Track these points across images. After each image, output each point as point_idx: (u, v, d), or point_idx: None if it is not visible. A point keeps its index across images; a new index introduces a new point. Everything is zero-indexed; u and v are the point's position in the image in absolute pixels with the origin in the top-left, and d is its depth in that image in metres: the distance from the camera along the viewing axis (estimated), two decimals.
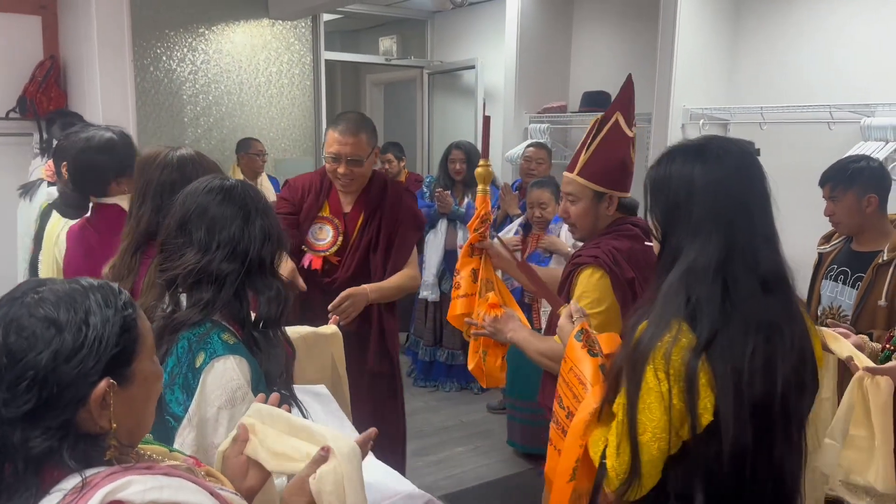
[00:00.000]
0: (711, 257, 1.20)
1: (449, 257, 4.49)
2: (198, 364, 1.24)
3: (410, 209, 2.59)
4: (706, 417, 1.16)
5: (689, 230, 1.24)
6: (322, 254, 2.45)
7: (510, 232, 3.83)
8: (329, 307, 2.21)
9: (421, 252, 4.53)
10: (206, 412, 1.22)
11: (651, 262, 1.72)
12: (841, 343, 1.87)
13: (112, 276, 1.70)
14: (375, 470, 1.58)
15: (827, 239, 2.66)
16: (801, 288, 2.53)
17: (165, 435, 1.21)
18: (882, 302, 2.30)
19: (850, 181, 2.41)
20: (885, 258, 2.34)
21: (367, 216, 2.48)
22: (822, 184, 2.50)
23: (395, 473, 1.59)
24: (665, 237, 1.29)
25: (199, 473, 0.98)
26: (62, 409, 0.85)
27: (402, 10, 5.78)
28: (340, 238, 2.45)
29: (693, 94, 3.62)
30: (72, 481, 0.83)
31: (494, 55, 5.12)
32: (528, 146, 4.24)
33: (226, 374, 1.24)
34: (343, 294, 2.25)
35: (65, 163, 2.13)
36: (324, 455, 1.03)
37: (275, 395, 1.17)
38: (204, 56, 4.97)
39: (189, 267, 1.30)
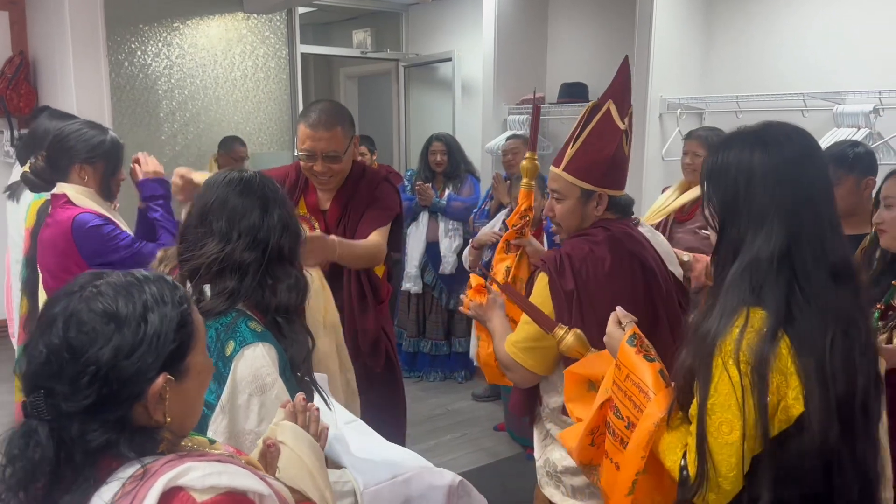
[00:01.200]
0: (776, 247, 1.15)
1: (431, 249, 4.52)
2: (228, 352, 1.27)
3: (387, 196, 2.40)
4: (796, 408, 1.09)
5: (751, 220, 1.18)
6: None
7: (496, 224, 3.84)
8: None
9: (404, 245, 4.57)
10: (238, 399, 1.25)
11: (609, 271, 1.67)
12: None
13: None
14: (386, 448, 1.64)
15: None
16: None
17: (198, 423, 1.24)
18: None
19: (851, 166, 2.46)
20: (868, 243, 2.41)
21: (343, 209, 2.34)
22: None
23: (402, 449, 1.65)
24: (723, 228, 1.22)
25: (240, 462, 1.00)
26: (120, 404, 0.87)
27: (377, 2, 5.78)
28: None
29: (669, 84, 3.70)
30: (129, 469, 0.85)
31: (471, 47, 5.15)
32: (507, 138, 4.28)
33: (256, 361, 1.26)
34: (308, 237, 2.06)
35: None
36: (272, 450, 1.08)
37: (300, 395, 1.19)
38: (179, 51, 4.93)
39: (212, 256, 1.32)
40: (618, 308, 1.44)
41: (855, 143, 2.63)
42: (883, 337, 1.97)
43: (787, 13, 3.49)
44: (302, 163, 2.26)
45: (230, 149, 4.60)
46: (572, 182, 1.75)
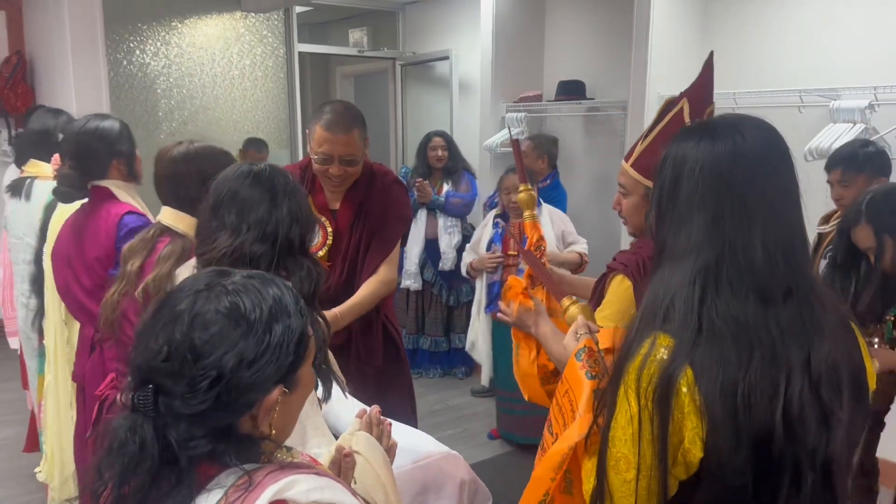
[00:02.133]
0: (692, 255, 1.00)
1: (429, 246, 4.55)
2: None
3: (399, 199, 2.39)
4: (694, 452, 0.95)
5: (674, 221, 1.04)
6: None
7: (487, 225, 3.84)
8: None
9: (404, 243, 4.58)
10: None
11: None
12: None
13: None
14: (404, 433, 1.66)
15: (826, 219, 2.74)
16: None
17: None
18: (822, 264, 2.39)
19: (861, 166, 2.50)
20: None
21: (356, 212, 2.29)
22: (830, 168, 2.56)
23: (425, 435, 1.67)
24: (656, 230, 1.09)
25: (332, 476, 0.98)
26: (233, 412, 0.84)
27: (373, 1, 5.80)
28: (330, 238, 2.26)
29: (667, 80, 3.73)
30: (230, 477, 0.83)
31: (468, 46, 5.17)
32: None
33: None
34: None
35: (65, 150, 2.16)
36: (348, 460, 1.06)
37: (375, 408, 1.19)
38: (177, 49, 4.93)
39: (223, 249, 1.33)
40: (579, 318, 1.38)
41: (866, 143, 2.66)
42: None
43: (784, 10, 3.52)
44: (316, 165, 2.21)
45: (245, 151, 4.74)
46: (637, 179, 1.67)
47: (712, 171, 1.02)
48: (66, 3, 3.88)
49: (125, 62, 4.77)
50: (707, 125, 1.08)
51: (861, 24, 3.27)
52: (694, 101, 1.70)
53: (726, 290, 0.98)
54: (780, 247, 1.00)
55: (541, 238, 1.95)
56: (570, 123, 4.61)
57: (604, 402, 1.04)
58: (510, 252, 3.66)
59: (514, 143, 2.03)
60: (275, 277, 0.93)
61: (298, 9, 5.52)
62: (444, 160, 4.52)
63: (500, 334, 3.57)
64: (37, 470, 2.75)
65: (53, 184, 2.22)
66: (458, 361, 4.72)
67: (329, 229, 2.26)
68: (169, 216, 1.85)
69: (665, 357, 0.96)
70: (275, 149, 5.40)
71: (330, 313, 2.03)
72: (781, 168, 1.04)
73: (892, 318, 2.08)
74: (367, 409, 1.23)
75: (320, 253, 2.24)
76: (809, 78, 3.35)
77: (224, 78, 5.15)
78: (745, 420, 0.93)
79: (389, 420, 1.21)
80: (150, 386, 0.82)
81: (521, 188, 1.93)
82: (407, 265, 4.54)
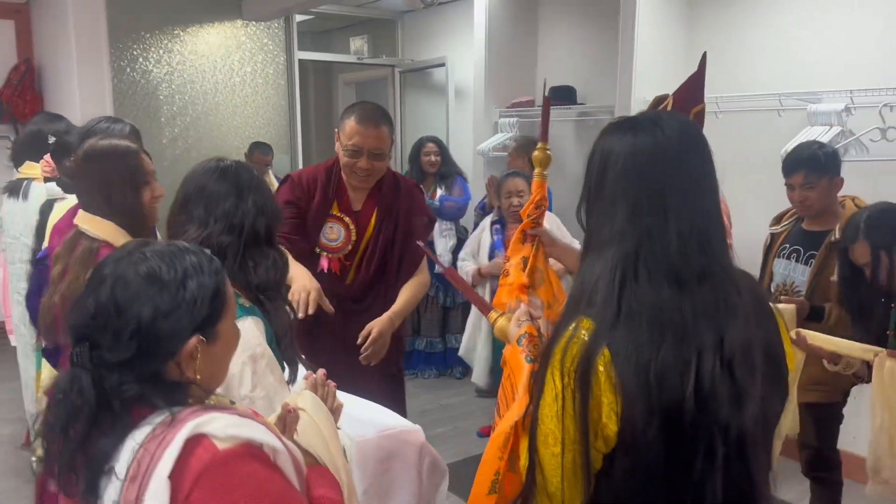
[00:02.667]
0: (616, 245, 1.06)
1: None
2: None
3: (423, 206, 2.46)
4: (610, 427, 1.01)
5: (601, 211, 1.10)
6: (337, 255, 2.31)
7: (483, 231, 3.89)
8: (359, 343, 2.10)
9: None
10: (233, 368, 1.36)
11: None
12: (834, 342, 2.06)
13: None
14: (371, 409, 1.76)
15: (778, 220, 2.78)
16: (751, 267, 2.73)
17: None
18: (835, 278, 2.39)
19: (824, 168, 2.51)
20: (836, 237, 2.46)
21: (382, 214, 2.33)
22: (792, 172, 2.56)
23: (387, 410, 1.76)
24: (586, 221, 1.15)
25: (259, 420, 1.07)
26: (156, 360, 0.96)
27: (373, 10, 5.92)
28: (353, 238, 2.31)
29: (653, 85, 3.81)
30: (160, 416, 0.95)
31: (463, 53, 5.28)
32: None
33: (246, 332, 1.36)
34: (374, 334, 2.12)
35: (71, 156, 2.25)
36: (291, 415, 1.17)
37: (321, 371, 1.30)
38: (180, 57, 5.07)
39: (191, 241, 1.43)
40: (522, 306, 1.46)
41: (822, 145, 2.68)
42: None
43: (765, 18, 3.61)
44: (344, 158, 2.25)
45: (251, 155, 4.85)
46: None
47: (633, 163, 1.07)
48: (72, 14, 4.02)
49: (129, 69, 4.91)
50: (631, 120, 1.14)
51: (837, 30, 3.35)
52: (680, 100, 1.78)
53: (644, 277, 1.03)
54: (696, 234, 1.05)
55: (543, 198, 1.91)
56: (561, 128, 4.70)
57: (536, 385, 1.09)
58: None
59: (546, 100, 1.99)
60: (194, 246, 1.04)
61: (301, 17, 5.66)
62: (437, 165, 4.62)
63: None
64: (32, 459, 2.85)
65: (49, 185, 2.32)
66: (453, 361, 4.77)
67: (352, 229, 2.31)
68: (81, 219, 1.89)
69: (586, 338, 1.02)
70: (276, 154, 5.52)
71: (386, 321, 2.14)
72: (698, 160, 1.09)
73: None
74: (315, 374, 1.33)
75: (343, 251, 2.30)
76: (789, 82, 3.43)
77: (225, 85, 5.28)
78: (656, 396, 0.99)
79: (334, 383, 1.30)
80: (86, 342, 0.95)
81: (540, 146, 1.88)
82: None
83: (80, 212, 1.90)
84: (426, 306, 4.74)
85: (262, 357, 1.38)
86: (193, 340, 0.98)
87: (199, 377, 0.99)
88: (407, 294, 2.29)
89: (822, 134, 3.08)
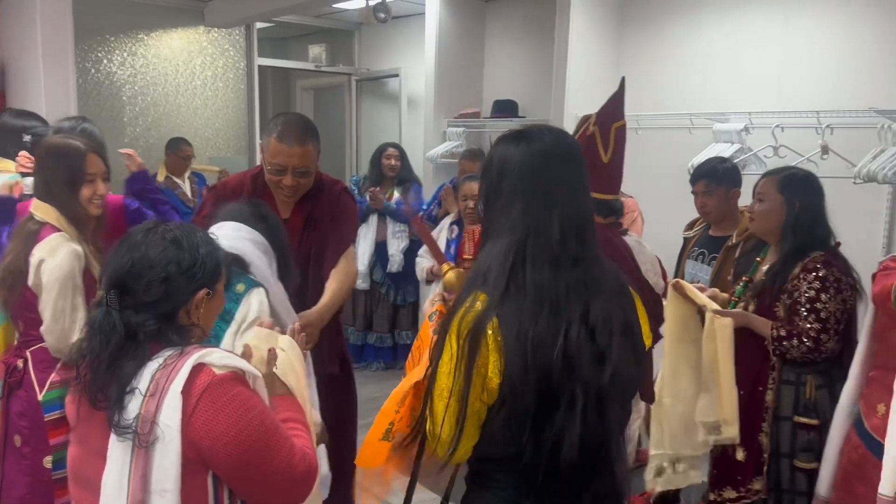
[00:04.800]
0: (511, 236, 1.25)
1: (380, 249, 4.87)
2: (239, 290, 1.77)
3: (348, 207, 2.46)
4: (494, 381, 1.20)
5: (501, 208, 1.29)
6: None
7: (441, 231, 4.10)
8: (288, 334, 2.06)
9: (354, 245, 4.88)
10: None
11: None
12: (697, 294, 2.38)
13: None
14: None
15: (691, 226, 3.15)
16: (669, 266, 3.11)
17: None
18: (730, 277, 2.73)
19: (721, 179, 2.89)
20: (733, 241, 2.84)
21: (306, 221, 2.34)
22: (696, 181, 2.94)
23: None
24: (485, 215, 1.34)
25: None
26: (172, 304, 1.27)
27: (331, 20, 6.19)
28: None
29: (584, 102, 4.18)
30: (170, 350, 1.24)
31: (416, 64, 5.60)
32: (464, 180, 4.16)
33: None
34: (301, 323, 1.96)
35: None
36: (272, 353, 1.47)
37: (297, 322, 1.65)
38: (143, 60, 5.26)
39: None
40: (437, 289, 1.69)
41: (723, 160, 3.08)
42: (741, 305, 2.41)
43: (681, 46, 4.05)
44: (269, 176, 2.24)
45: (176, 149, 4.88)
46: None
47: (527, 167, 1.28)
48: (39, 14, 4.17)
49: (93, 70, 5.09)
50: (522, 132, 1.35)
51: (743, 58, 3.79)
52: (603, 118, 2.05)
53: (529, 261, 1.23)
54: (574, 226, 1.26)
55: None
56: None
57: (436, 349, 1.27)
58: (465, 256, 3.92)
59: (418, 223, 2.20)
60: (196, 227, 1.39)
61: (260, 24, 5.90)
62: (396, 169, 4.90)
63: None
64: None
65: (28, 180, 2.52)
66: (401, 356, 5.02)
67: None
68: (34, 205, 2.16)
69: (480, 308, 1.22)
70: (233, 155, 5.75)
71: (309, 314, 2.10)
72: (576, 166, 1.32)
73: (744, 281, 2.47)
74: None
75: None
76: (698, 103, 3.85)
77: (187, 88, 5.49)
78: (532, 358, 1.18)
79: (304, 333, 1.64)
80: (117, 289, 1.26)
81: (447, 267, 1.93)
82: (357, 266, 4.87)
83: (34, 198, 2.17)
84: (378, 304, 4.99)
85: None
86: (202, 293, 1.30)
87: (199, 322, 1.32)
88: (333, 286, 2.26)
89: (725, 150, 3.50)
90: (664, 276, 2.46)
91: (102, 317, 1.24)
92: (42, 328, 2.10)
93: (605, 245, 1.71)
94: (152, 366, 1.22)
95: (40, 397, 2.13)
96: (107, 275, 1.29)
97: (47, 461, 2.13)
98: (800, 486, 2.21)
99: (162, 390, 1.19)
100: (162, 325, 1.26)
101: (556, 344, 1.19)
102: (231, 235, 1.81)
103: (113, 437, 1.21)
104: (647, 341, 1.41)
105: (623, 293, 1.35)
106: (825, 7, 3.52)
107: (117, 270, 1.27)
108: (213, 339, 1.64)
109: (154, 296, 1.25)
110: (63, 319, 2.06)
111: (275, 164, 2.20)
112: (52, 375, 2.13)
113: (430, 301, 1.65)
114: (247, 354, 1.42)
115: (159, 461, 1.18)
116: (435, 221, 4.37)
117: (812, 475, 2.16)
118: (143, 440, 1.18)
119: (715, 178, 2.90)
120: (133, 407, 1.20)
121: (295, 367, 1.50)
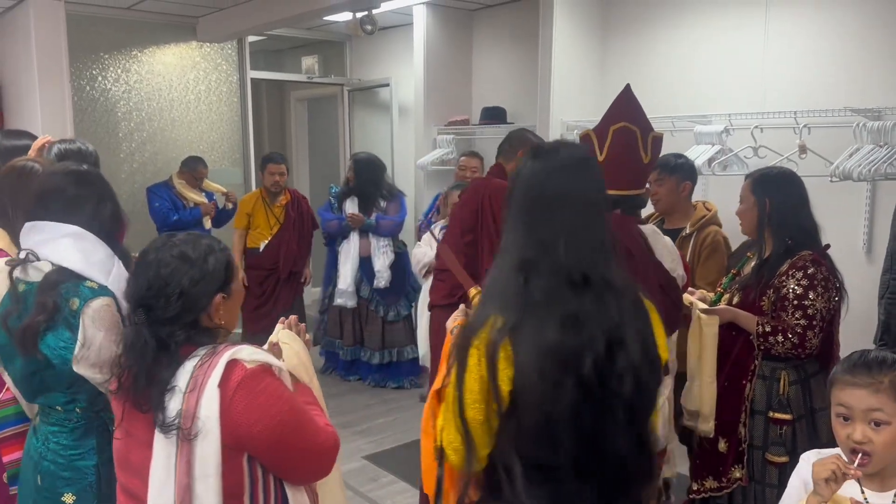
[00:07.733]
0: (516, 252, 1.26)
1: (364, 265, 4.76)
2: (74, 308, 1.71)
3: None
4: (504, 388, 1.23)
5: (508, 223, 1.31)
6: None
7: (432, 236, 4.19)
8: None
9: (335, 263, 4.77)
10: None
11: None
12: (685, 295, 2.45)
13: None
14: None
15: (645, 221, 3.29)
16: None
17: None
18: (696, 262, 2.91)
19: (672, 170, 3.08)
20: (686, 232, 3.02)
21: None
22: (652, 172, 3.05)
23: None
24: (502, 230, 1.35)
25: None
26: (193, 313, 1.39)
27: (323, 32, 6.29)
28: None
29: (569, 107, 4.29)
30: (203, 350, 1.37)
31: (406, 74, 5.69)
32: (462, 155, 4.59)
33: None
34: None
35: None
36: (276, 347, 1.60)
37: (293, 317, 1.73)
38: (137, 76, 5.35)
39: None
40: (461, 306, 1.75)
41: (679, 155, 3.23)
42: (727, 296, 2.47)
43: (664, 51, 4.12)
44: None
45: (192, 169, 4.90)
46: None
47: (531, 185, 1.30)
48: (34, 34, 4.27)
49: (88, 88, 5.18)
50: (540, 148, 1.38)
51: (723, 61, 3.87)
52: (607, 116, 2.17)
53: (542, 279, 1.25)
54: (583, 243, 1.26)
55: None
56: (492, 144, 5.10)
57: (454, 362, 1.30)
58: None
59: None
60: (202, 234, 1.48)
61: (254, 38, 5.99)
62: (351, 181, 4.77)
63: None
64: None
65: None
66: (397, 373, 4.88)
67: None
68: None
69: (497, 329, 1.25)
70: (228, 166, 5.83)
71: None
72: (587, 185, 1.31)
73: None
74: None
75: None
76: (682, 106, 3.93)
77: (181, 102, 5.58)
78: (551, 371, 1.21)
79: (303, 324, 1.73)
80: (141, 308, 1.38)
81: (473, 291, 2.09)
82: (341, 284, 4.74)
83: None
84: (367, 320, 4.84)
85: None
86: (218, 298, 1.42)
87: (223, 322, 1.45)
88: None
89: (704, 152, 3.58)
90: (686, 269, 2.50)
91: (134, 334, 1.38)
92: None
93: (617, 230, 1.65)
94: (189, 364, 1.36)
95: None
96: (130, 295, 1.42)
97: (3, 478, 2.03)
98: (771, 479, 2.25)
99: (201, 385, 1.32)
100: (190, 332, 1.39)
101: (568, 360, 1.21)
102: (45, 241, 1.72)
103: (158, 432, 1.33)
104: (664, 354, 1.39)
105: (639, 307, 1.34)
106: (803, 10, 3.59)
107: (138, 291, 1.40)
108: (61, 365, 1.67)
109: (174, 310, 1.37)
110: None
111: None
112: (1, 394, 2.03)
113: (452, 318, 1.74)
114: (275, 351, 1.56)
115: (201, 450, 1.31)
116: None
117: (783, 469, 2.20)
118: (186, 434, 1.30)
119: (667, 169, 3.08)
120: (174, 404, 1.33)
121: (302, 358, 1.62)
